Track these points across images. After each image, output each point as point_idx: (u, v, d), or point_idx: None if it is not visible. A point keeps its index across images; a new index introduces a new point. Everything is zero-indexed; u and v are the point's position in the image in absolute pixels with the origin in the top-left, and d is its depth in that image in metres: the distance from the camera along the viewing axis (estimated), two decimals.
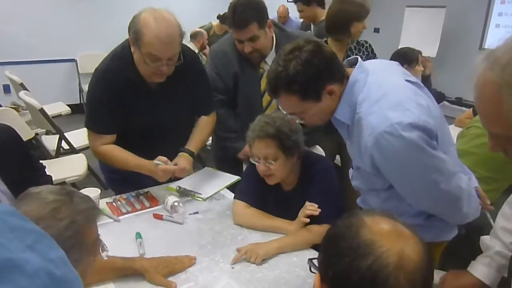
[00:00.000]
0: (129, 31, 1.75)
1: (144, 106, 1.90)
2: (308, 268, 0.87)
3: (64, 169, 3.09)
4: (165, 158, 1.90)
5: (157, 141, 1.98)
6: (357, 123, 1.30)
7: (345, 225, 0.76)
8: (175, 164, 1.94)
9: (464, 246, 1.66)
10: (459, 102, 6.06)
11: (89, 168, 3.17)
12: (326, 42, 2.70)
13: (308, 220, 1.64)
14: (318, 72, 1.28)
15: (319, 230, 1.60)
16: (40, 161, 1.93)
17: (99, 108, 1.88)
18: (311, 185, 1.74)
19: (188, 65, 1.90)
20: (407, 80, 1.34)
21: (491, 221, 1.72)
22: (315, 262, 0.85)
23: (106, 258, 1.16)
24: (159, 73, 1.78)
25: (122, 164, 1.95)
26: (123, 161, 1.94)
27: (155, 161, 1.89)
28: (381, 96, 1.25)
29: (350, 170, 1.64)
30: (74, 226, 0.98)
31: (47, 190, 1.01)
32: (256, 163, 1.73)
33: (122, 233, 1.76)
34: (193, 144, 2.08)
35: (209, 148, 3.46)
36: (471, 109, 3.31)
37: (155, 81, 1.84)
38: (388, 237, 0.71)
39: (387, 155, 1.23)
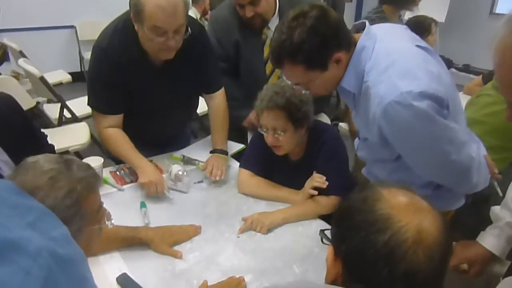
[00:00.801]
0: (130, 7, 1.64)
1: (148, 84, 1.82)
2: (320, 239, 0.84)
3: (67, 138, 3.06)
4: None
5: (161, 118, 1.94)
6: (365, 93, 1.25)
7: (360, 198, 0.73)
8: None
9: (470, 215, 1.64)
10: (466, 69, 5.95)
11: (92, 136, 3.14)
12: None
13: (316, 192, 1.62)
14: (324, 40, 1.22)
15: (327, 202, 1.58)
16: (42, 130, 1.90)
17: (102, 87, 1.79)
18: (318, 155, 1.71)
19: (194, 40, 1.79)
20: (417, 46, 1.28)
21: (499, 190, 1.70)
22: (328, 233, 0.82)
23: (111, 227, 1.14)
24: (166, 49, 1.66)
25: (120, 156, 1.89)
26: (122, 154, 1.87)
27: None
28: (390, 63, 1.19)
29: (356, 140, 1.61)
30: (73, 194, 0.95)
31: (44, 159, 0.98)
32: (264, 134, 1.69)
33: (126, 202, 1.75)
34: (220, 141, 2.03)
35: None
36: (481, 76, 3.24)
37: (164, 58, 1.73)
38: (406, 211, 0.67)
39: (397, 125, 1.19)
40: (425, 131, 1.18)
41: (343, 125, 3.24)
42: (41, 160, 0.99)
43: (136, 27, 1.66)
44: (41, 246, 0.63)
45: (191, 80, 1.96)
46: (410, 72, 1.16)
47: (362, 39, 1.27)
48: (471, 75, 5.49)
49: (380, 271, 0.65)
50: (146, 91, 1.83)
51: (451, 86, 1.29)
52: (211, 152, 2.00)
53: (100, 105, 1.85)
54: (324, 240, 0.84)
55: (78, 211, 0.96)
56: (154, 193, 1.74)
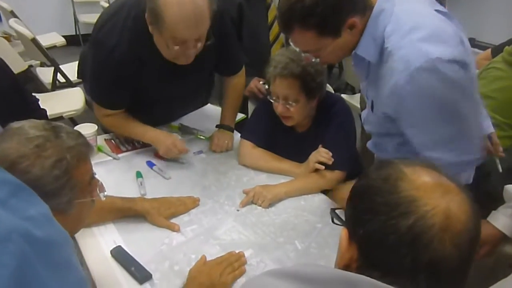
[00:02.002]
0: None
1: (160, 83, 1.67)
2: (331, 218, 0.78)
3: (61, 103, 2.96)
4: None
5: (171, 108, 1.86)
6: (386, 59, 1.15)
7: (380, 177, 0.65)
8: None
9: (471, 192, 1.60)
10: (472, 43, 5.79)
11: (87, 102, 3.04)
12: None
13: (322, 167, 1.55)
14: (338, 2, 1.12)
15: (332, 176, 1.51)
16: (34, 94, 1.80)
17: (106, 87, 1.65)
18: (326, 128, 1.63)
19: (213, 29, 1.56)
20: (436, 10, 1.18)
21: (499, 166, 1.65)
22: (340, 213, 0.75)
23: (104, 199, 1.07)
24: (184, 56, 1.49)
25: (129, 136, 1.81)
26: (130, 133, 1.79)
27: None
28: (413, 26, 1.09)
29: (363, 113, 1.52)
30: (62, 164, 0.88)
31: (29, 125, 0.90)
32: (274, 102, 1.61)
33: (121, 172, 1.68)
34: (229, 118, 1.94)
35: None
36: (490, 50, 3.13)
37: (181, 63, 1.54)
38: (433, 193, 0.60)
39: (423, 92, 1.08)
40: (452, 102, 1.11)
41: (345, 97, 3.16)
42: (26, 126, 0.91)
43: (150, 29, 1.46)
44: (12, 227, 0.54)
45: (208, 69, 1.85)
46: (437, 36, 1.07)
47: (380, 2, 1.16)
48: (477, 50, 5.35)
49: (402, 259, 0.59)
50: (157, 89, 1.69)
51: (471, 55, 1.20)
52: (217, 126, 1.92)
53: (104, 102, 1.72)
54: (335, 220, 0.77)
55: (68, 182, 0.89)
56: (178, 156, 1.72)
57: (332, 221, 0.78)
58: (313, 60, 1.30)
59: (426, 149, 1.21)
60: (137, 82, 1.62)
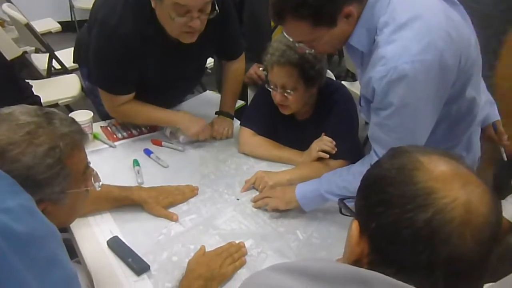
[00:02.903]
0: None
1: (164, 60, 1.62)
2: (338, 209, 0.73)
3: (56, 90, 2.91)
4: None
5: (173, 89, 1.79)
6: (373, 50, 1.11)
7: (394, 167, 0.61)
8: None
9: None
10: None
11: (83, 89, 2.98)
12: None
13: (327, 156, 1.50)
14: None
15: (336, 165, 1.46)
16: (27, 81, 1.75)
17: (113, 68, 1.59)
18: (328, 115, 1.58)
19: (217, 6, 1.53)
20: None
21: (504, 155, 1.62)
22: (349, 203, 0.71)
23: (98, 189, 1.03)
24: (189, 31, 1.45)
25: (150, 122, 1.77)
26: (152, 119, 1.75)
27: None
28: (406, 21, 1.04)
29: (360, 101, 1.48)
30: (54, 152, 0.83)
31: (20, 111, 0.85)
32: (272, 91, 1.55)
33: (118, 160, 1.63)
34: (229, 104, 1.89)
35: (210, 71, 3.27)
36: None
37: (186, 42, 1.51)
38: (452, 184, 0.56)
39: (390, 90, 1.05)
40: (415, 106, 1.07)
41: (345, 84, 3.11)
42: (17, 111, 0.86)
43: (153, 4, 1.43)
44: None
45: (209, 51, 1.81)
46: (428, 35, 1.02)
47: None
48: None
49: (418, 255, 0.55)
50: (160, 67, 1.64)
51: (471, 46, 1.15)
52: (217, 113, 1.87)
53: (112, 86, 1.65)
54: (343, 210, 0.72)
55: (61, 171, 0.84)
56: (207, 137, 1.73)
57: (340, 211, 0.74)
58: (307, 51, 1.25)
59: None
60: (142, 61, 1.57)
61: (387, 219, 0.57)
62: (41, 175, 0.82)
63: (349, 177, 1.25)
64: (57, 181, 0.85)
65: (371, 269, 0.57)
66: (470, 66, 1.10)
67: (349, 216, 0.70)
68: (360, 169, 1.23)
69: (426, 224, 0.54)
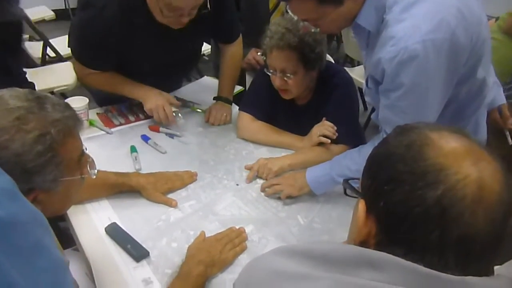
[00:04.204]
0: None
1: (153, 48, 1.59)
2: (343, 190, 0.71)
3: (51, 78, 2.86)
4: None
5: (166, 74, 1.76)
6: (382, 30, 1.08)
7: (402, 143, 0.58)
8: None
9: None
10: None
11: (78, 78, 2.94)
12: None
13: (328, 141, 1.48)
14: None
15: (338, 150, 1.44)
16: (21, 67, 1.71)
17: (91, 47, 1.55)
18: (328, 99, 1.55)
19: None
20: None
21: (509, 139, 1.60)
22: (354, 184, 0.69)
23: (94, 177, 1.00)
24: (178, 22, 1.45)
25: (116, 91, 1.69)
26: (118, 89, 1.68)
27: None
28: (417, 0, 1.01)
29: (364, 84, 1.45)
30: (45, 139, 0.80)
31: (10, 94, 0.81)
32: (271, 75, 1.52)
33: (115, 146, 1.61)
34: (227, 90, 1.85)
35: (207, 58, 3.23)
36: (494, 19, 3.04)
37: (175, 27, 1.49)
38: (463, 161, 0.53)
39: (401, 71, 1.02)
40: (425, 87, 1.04)
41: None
42: (7, 95, 0.82)
43: None
44: None
45: (202, 36, 1.77)
46: (439, 13, 0.98)
47: None
48: None
49: (428, 234, 0.52)
50: (151, 53, 1.60)
51: (482, 25, 1.12)
52: (215, 98, 1.84)
53: (85, 62, 1.63)
54: (348, 191, 0.70)
55: (52, 159, 0.81)
56: (164, 118, 1.62)
57: (345, 192, 0.71)
58: (312, 30, 1.21)
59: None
60: (126, 47, 1.53)
61: (396, 197, 0.54)
62: (31, 163, 0.79)
63: (361, 160, 1.22)
64: (48, 169, 0.82)
65: (378, 250, 0.55)
66: (481, 45, 1.07)
67: (354, 197, 0.68)
68: (368, 149, 1.21)
69: (437, 201, 0.51)
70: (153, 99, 1.63)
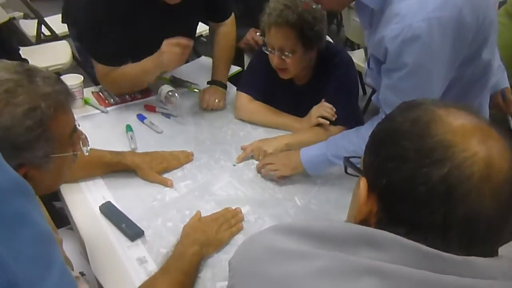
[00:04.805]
0: None
1: (152, 26, 1.53)
2: (344, 168, 0.69)
3: (46, 57, 2.81)
4: None
5: None
6: (387, 7, 1.04)
7: (408, 119, 0.55)
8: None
9: None
10: None
11: (74, 56, 2.90)
12: None
13: (327, 122, 1.46)
14: None
15: (336, 131, 1.42)
16: (16, 46, 1.68)
17: (106, 35, 1.50)
18: (328, 80, 1.52)
19: None
20: None
21: (511, 123, 1.58)
22: (355, 162, 0.67)
23: (87, 154, 0.98)
24: None
25: (135, 76, 1.61)
26: (135, 73, 1.60)
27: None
28: None
29: (366, 65, 1.42)
30: (35, 114, 0.78)
31: None
32: (269, 54, 1.49)
33: (110, 125, 1.58)
34: (221, 72, 1.78)
35: (205, 39, 3.18)
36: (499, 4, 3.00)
37: (171, 2, 1.46)
38: (471, 138, 0.51)
39: (404, 50, 0.99)
40: (429, 66, 1.01)
41: None
42: None
43: None
44: None
45: (198, 13, 1.71)
46: None
47: None
48: None
49: (432, 214, 0.50)
50: (148, 32, 1.53)
51: (489, 2, 1.08)
52: (208, 82, 1.78)
53: (104, 56, 1.57)
54: (348, 170, 0.68)
55: (43, 134, 0.79)
56: (178, 57, 1.48)
57: (345, 171, 0.69)
58: (314, 6, 1.18)
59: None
60: (130, 27, 1.48)
61: (400, 174, 0.52)
62: (20, 138, 0.77)
63: (359, 140, 1.20)
64: (39, 145, 0.80)
65: (380, 229, 0.53)
66: (488, 26, 1.04)
67: (355, 176, 0.66)
68: (369, 131, 1.18)
69: (443, 179, 0.49)
70: (162, 49, 1.50)
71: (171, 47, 1.46)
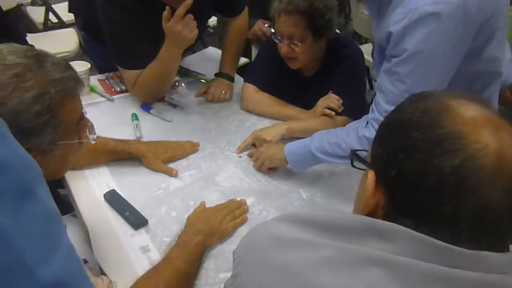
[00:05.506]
0: None
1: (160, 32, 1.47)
2: (350, 162, 0.67)
3: (53, 44, 2.80)
4: None
5: None
6: None
7: (418, 109, 0.54)
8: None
9: None
10: None
11: (81, 44, 2.89)
12: None
13: (333, 113, 1.44)
14: None
15: (342, 121, 1.40)
16: (23, 31, 1.68)
17: (128, 41, 1.48)
18: (336, 71, 1.51)
19: None
20: None
21: None
22: (362, 154, 0.65)
23: (93, 142, 0.97)
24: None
25: (161, 70, 1.54)
26: (159, 67, 1.53)
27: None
28: None
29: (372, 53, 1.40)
30: (44, 99, 0.77)
31: (8, 49, 0.78)
32: (278, 42, 1.47)
33: (116, 113, 1.58)
34: (229, 65, 1.75)
35: (212, 31, 3.16)
36: None
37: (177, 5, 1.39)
38: (483, 129, 0.50)
39: (407, 34, 0.97)
40: (436, 54, 0.98)
41: None
42: (5, 50, 0.79)
43: None
44: None
45: (210, 11, 1.69)
46: None
47: None
48: None
49: (442, 205, 0.49)
50: (160, 31, 1.47)
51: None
52: (216, 74, 1.76)
53: (133, 59, 1.53)
54: (355, 163, 0.67)
55: (51, 120, 0.79)
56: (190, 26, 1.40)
57: (352, 164, 0.68)
58: None
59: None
60: (149, 28, 1.45)
61: (409, 166, 0.51)
62: (28, 123, 0.76)
63: (343, 133, 1.17)
64: (46, 131, 0.79)
65: (387, 220, 0.52)
66: (496, 19, 1.01)
67: (362, 169, 0.64)
68: (355, 125, 1.15)
69: (454, 171, 0.48)
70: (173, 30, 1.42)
71: (178, 24, 1.39)
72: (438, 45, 0.97)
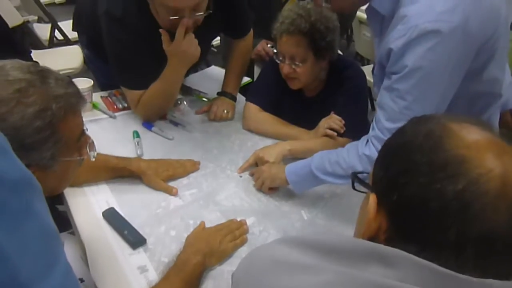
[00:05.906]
0: None
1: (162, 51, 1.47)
2: (351, 183, 0.66)
3: (58, 60, 2.84)
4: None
5: None
6: (397, 10, 1.03)
7: (421, 132, 0.54)
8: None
9: None
10: None
11: (85, 61, 2.91)
12: None
13: (335, 133, 1.44)
14: None
15: (343, 142, 1.39)
16: (28, 47, 1.69)
17: (133, 62, 1.48)
18: (338, 92, 1.51)
19: None
20: None
21: None
22: (363, 177, 0.65)
23: (93, 160, 0.97)
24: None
25: (164, 90, 1.55)
26: (162, 86, 1.53)
27: None
28: None
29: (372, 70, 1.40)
30: (46, 115, 0.77)
31: (12, 65, 0.78)
32: (280, 63, 1.48)
33: (118, 130, 1.57)
34: (232, 85, 1.75)
35: (215, 50, 3.18)
36: None
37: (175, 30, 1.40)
38: (486, 153, 0.49)
39: (407, 51, 0.97)
40: (435, 72, 0.98)
41: None
42: (9, 66, 0.79)
43: None
44: None
45: (215, 32, 1.71)
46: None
47: None
48: None
49: (445, 231, 0.48)
50: (164, 52, 1.49)
51: (499, 15, 1.07)
52: (218, 93, 1.77)
53: (137, 79, 1.53)
54: (356, 185, 0.66)
55: (51, 136, 0.78)
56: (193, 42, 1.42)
57: (353, 186, 0.67)
58: (323, 4, 1.17)
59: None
60: (154, 49, 1.44)
61: (411, 190, 0.50)
62: (29, 139, 0.76)
63: (343, 151, 1.16)
64: (46, 146, 0.79)
65: (388, 245, 0.51)
66: (496, 40, 1.02)
67: (363, 192, 0.63)
68: (355, 143, 1.15)
69: (457, 196, 0.47)
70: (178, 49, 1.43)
71: (183, 43, 1.40)
72: (438, 62, 0.97)
